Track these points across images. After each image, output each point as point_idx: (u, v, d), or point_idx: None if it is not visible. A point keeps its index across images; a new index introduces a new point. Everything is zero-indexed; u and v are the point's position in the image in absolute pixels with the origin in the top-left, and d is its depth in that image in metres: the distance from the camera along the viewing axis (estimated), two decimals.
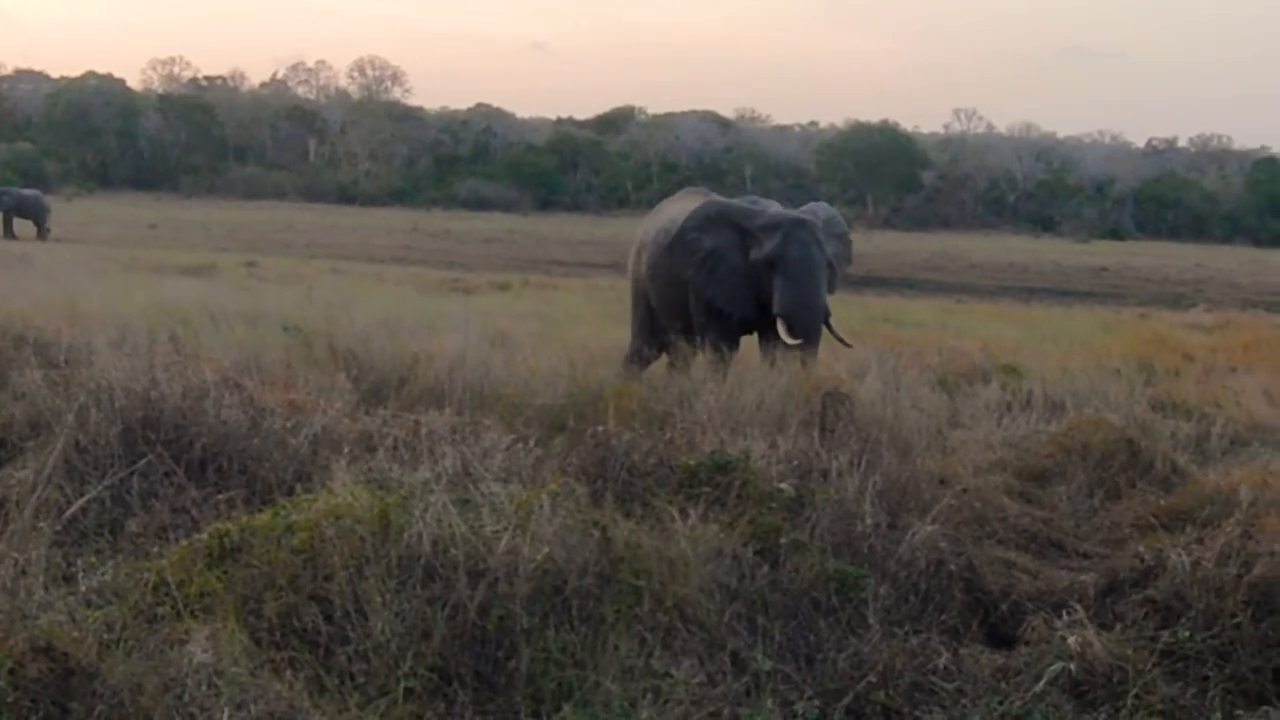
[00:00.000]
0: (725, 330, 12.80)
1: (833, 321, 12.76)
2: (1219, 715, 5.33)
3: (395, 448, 7.17)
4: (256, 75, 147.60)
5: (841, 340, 12.78)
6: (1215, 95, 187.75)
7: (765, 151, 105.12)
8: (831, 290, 13.02)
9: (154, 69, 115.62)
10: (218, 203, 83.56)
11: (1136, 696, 5.40)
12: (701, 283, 12.75)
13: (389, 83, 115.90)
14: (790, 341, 12.13)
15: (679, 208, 13.55)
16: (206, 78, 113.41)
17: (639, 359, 13.42)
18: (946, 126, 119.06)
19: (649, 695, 5.10)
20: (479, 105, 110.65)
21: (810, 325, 12.42)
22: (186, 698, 4.51)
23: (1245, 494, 8.31)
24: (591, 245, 57.98)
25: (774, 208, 13.19)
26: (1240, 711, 5.34)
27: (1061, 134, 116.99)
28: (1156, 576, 6.22)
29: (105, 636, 4.82)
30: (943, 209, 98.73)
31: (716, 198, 13.84)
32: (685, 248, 12.82)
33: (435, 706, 4.99)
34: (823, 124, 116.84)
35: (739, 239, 12.76)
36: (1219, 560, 6.05)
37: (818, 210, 13.57)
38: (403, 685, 4.96)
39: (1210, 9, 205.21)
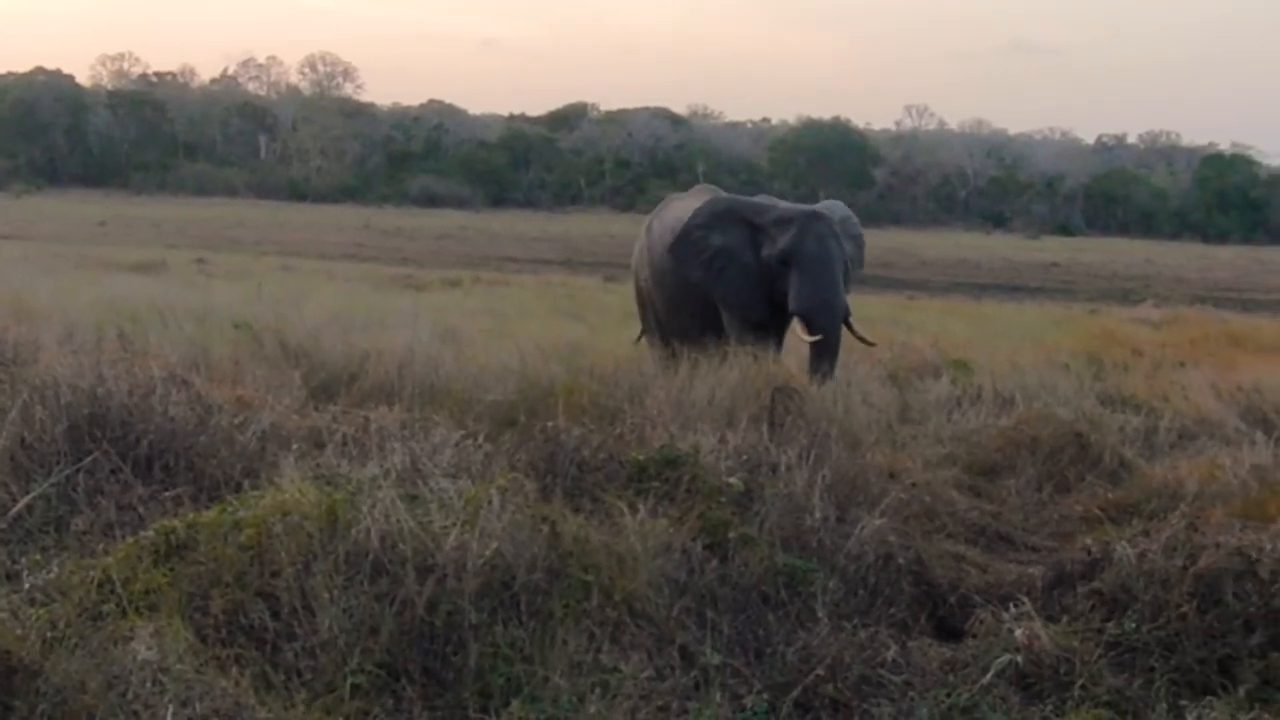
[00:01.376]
0: (759, 334, 12.05)
1: (853, 320, 12.27)
2: (1164, 706, 5.36)
3: (344, 444, 7.17)
4: (207, 71, 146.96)
5: (863, 339, 12.48)
6: (1164, 92, 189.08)
7: (718, 148, 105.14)
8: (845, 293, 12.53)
9: (103, 65, 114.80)
10: (168, 199, 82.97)
11: (1083, 688, 5.43)
12: (710, 283, 12.33)
13: (340, 79, 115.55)
14: (807, 339, 11.83)
15: (685, 206, 13.11)
16: (156, 74, 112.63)
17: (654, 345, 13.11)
18: (898, 123, 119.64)
19: (597, 690, 5.10)
20: (431, 101, 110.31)
21: (829, 324, 11.88)
22: (130, 695, 4.48)
23: (1191, 486, 8.39)
24: (544, 242, 58.03)
25: (783, 204, 12.82)
26: (1185, 702, 5.36)
27: (1012, 130, 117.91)
28: (1103, 569, 6.26)
29: (49, 635, 4.79)
30: (895, 205, 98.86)
31: (724, 195, 13.41)
32: (691, 247, 12.40)
33: (383, 702, 4.97)
34: (775, 120, 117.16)
35: (749, 236, 12.30)
36: (1165, 552, 6.09)
37: (834, 208, 13.09)
38: (350, 681, 4.94)
39: (1156, 8, 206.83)
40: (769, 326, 12.30)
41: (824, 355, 11.78)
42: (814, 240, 11.98)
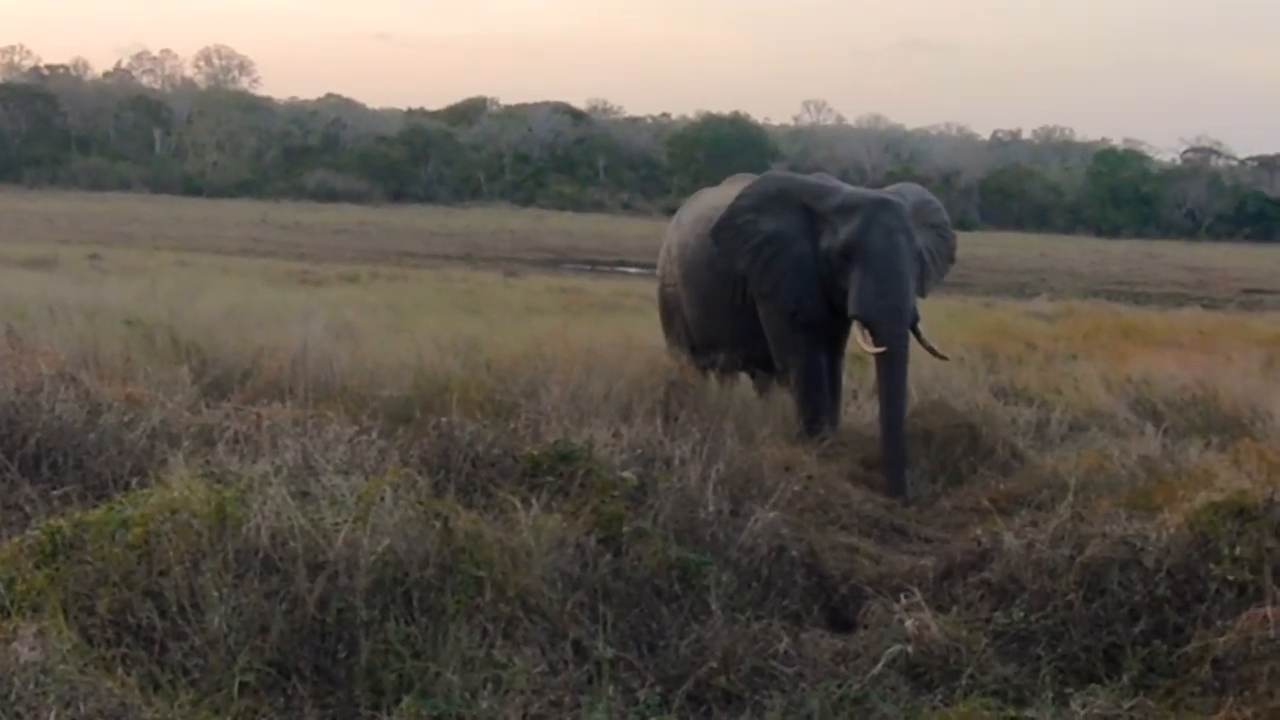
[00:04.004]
0: (812, 339, 10.74)
1: (921, 327, 10.49)
2: (1050, 694, 5.42)
3: (235, 441, 7.10)
4: (100, 64, 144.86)
5: (934, 351, 10.78)
6: (1057, 89, 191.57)
7: (618, 143, 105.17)
8: (923, 293, 10.94)
9: None
10: (60, 194, 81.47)
11: (971, 677, 5.50)
12: (758, 274, 10.74)
13: (236, 72, 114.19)
14: (870, 350, 10.25)
15: (722, 193, 11.59)
16: (48, 67, 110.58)
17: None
18: (796, 118, 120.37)
19: (490, 685, 5.09)
20: (329, 95, 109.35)
21: (896, 331, 10.14)
22: (13, 696, 4.42)
23: (1078, 477, 8.52)
24: (444, 237, 57.93)
25: (847, 188, 11.07)
26: (1070, 690, 5.43)
27: (909, 126, 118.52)
28: (992, 559, 6.35)
29: None
30: None
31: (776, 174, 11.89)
32: (736, 232, 10.81)
33: (273, 701, 4.95)
34: (675, 115, 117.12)
35: (806, 223, 10.67)
36: (1052, 542, 6.19)
37: (906, 192, 11.29)
38: (239, 680, 4.91)
39: (1049, 8, 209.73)
40: (824, 328, 10.78)
41: (892, 372, 10.09)
42: (881, 233, 10.28)
